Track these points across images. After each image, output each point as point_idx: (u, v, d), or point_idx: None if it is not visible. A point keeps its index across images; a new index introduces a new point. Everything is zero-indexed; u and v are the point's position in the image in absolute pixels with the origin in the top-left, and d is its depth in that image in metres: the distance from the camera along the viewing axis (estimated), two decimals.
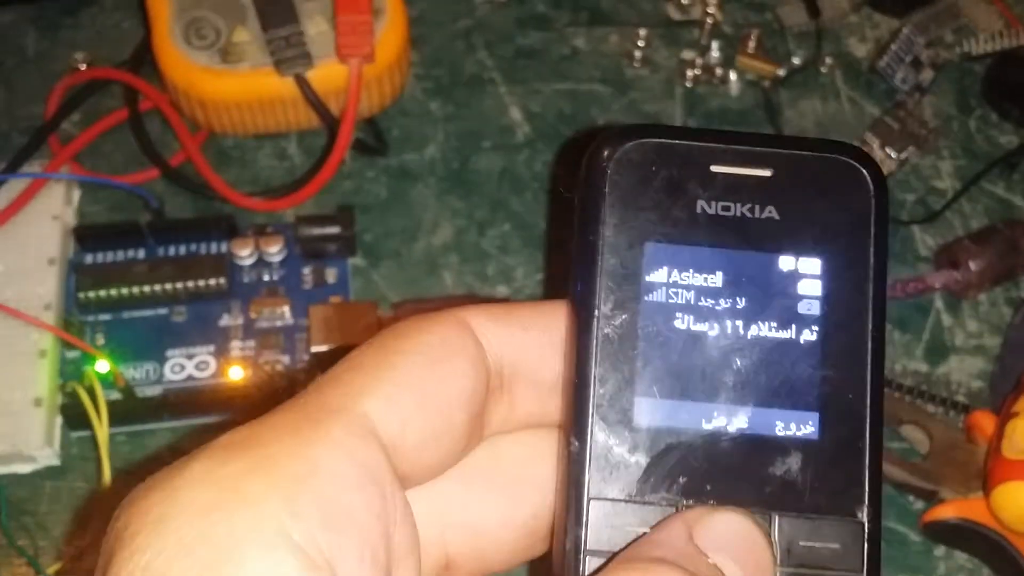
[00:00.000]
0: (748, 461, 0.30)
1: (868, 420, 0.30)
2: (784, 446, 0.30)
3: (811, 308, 0.30)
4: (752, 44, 0.68)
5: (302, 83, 0.61)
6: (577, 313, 0.30)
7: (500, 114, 0.67)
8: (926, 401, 0.57)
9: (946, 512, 0.54)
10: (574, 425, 0.30)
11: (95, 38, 0.69)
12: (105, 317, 0.59)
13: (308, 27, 0.61)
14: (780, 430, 0.30)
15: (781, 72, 0.68)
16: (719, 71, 0.68)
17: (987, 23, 0.69)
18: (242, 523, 0.24)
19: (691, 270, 0.31)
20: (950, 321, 0.61)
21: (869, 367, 0.30)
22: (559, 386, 0.31)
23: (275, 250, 0.60)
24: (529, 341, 0.31)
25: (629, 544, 0.29)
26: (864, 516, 0.29)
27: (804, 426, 0.30)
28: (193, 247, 0.60)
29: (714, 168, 0.31)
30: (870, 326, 0.30)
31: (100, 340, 0.58)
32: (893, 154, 0.64)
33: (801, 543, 0.29)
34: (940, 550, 0.55)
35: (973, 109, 0.68)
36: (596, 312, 0.30)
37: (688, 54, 0.69)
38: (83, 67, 0.67)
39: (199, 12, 0.62)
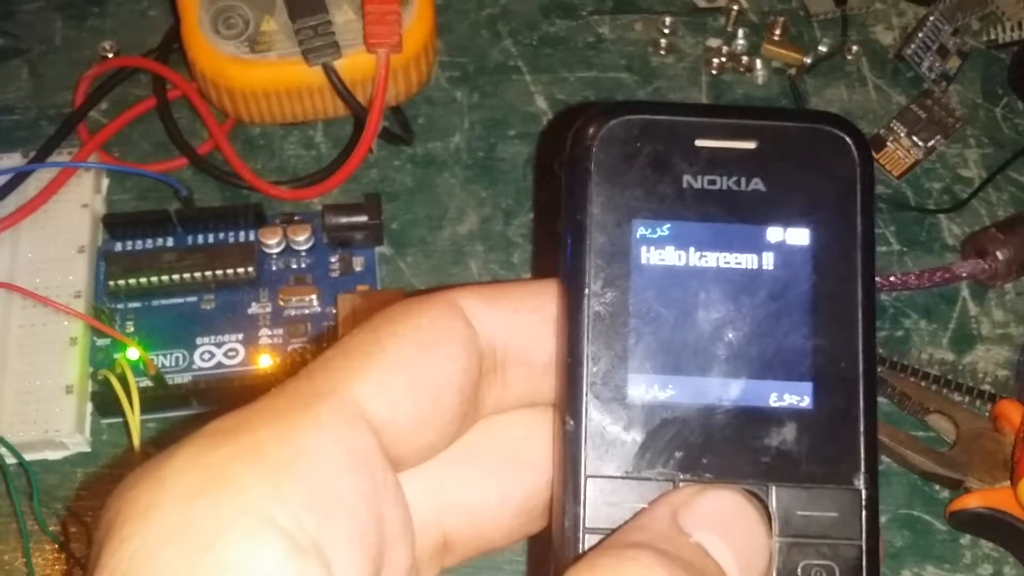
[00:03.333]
0: (743, 433, 0.30)
1: (862, 388, 0.30)
2: (779, 417, 0.30)
3: (801, 278, 0.30)
4: (778, 32, 0.68)
5: (330, 72, 0.61)
6: (568, 292, 0.30)
7: (525, 102, 0.67)
8: (952, 390, 0.58)
9: (972, 501, 0.54)
10: (569, 404, 0.30)
11: (122, 26, 0.69)
12: (135, 305, 0.59)
13: (336, 16, 0.61)
14: (774, 401, 0.30)
15: (807, 60, 0.67)
16: (745, 59, 0.68)
17: (1013, 11, 0.69)
18: (227, 509, 0.24)
19: (679, 245, 0.31)
20: (976, 310, 0.61)
21: (861, 335, 0.30)
22: (552, 365, 0.31)
23: (303, 238, 0.60)
24: (521, 321, 0.31)
25: (620, 526, 0.29)
26: (861, 484, 0.29)
27: (798, 396, 0.30)
28: (221, 235, 0.61)
29: (699, 142, 0.31)
30: (860, 294, 0.30)
31: (130, 328, 0.59)
32: (920, 142, 0.64)
33: (799, 513, 0.29)
34: (966, 539, 0.55)
35: (1000, 97, 0.67)
36: (586, 290, 0.30)
37: (714, 42, 0.68)
38: (111, 55, 0.67)
39: (228, 1, 0.62)
